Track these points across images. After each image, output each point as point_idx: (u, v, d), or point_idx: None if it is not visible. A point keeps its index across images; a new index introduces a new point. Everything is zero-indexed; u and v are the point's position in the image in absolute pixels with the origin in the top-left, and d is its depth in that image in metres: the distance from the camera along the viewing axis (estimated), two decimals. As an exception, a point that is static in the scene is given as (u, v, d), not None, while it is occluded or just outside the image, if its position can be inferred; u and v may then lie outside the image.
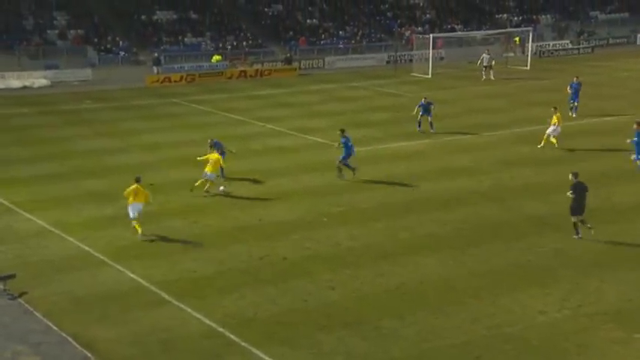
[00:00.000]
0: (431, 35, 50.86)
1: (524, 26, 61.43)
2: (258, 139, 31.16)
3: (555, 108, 28.20)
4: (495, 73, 47.02)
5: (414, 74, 49.79)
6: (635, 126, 24.37)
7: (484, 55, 47.73)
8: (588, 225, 18.69)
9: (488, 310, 15.16)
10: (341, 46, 57.78)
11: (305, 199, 22.78)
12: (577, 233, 18.77)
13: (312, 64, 54.43)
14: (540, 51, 59.63)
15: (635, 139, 24.19)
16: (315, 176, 25.27)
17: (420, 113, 31.33)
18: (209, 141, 24.86)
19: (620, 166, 25.10)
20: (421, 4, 66.85)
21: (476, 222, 20.25)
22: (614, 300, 15.42)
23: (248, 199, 22.91)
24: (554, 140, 27.69)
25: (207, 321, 14.98)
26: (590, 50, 61.00)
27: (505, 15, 67.47)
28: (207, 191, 23.05)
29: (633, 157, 24.36)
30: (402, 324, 14.73)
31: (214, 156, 23.20)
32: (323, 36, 59.15)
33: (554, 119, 27.78)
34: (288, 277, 16.97)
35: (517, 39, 59.45)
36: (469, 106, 37.73)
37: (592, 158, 26.20)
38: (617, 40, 65.19)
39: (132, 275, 17.18)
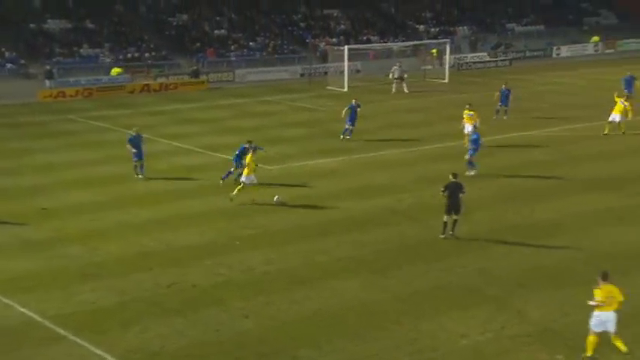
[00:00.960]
0: (346, 47, 51.67)
1: (442, 38, 63.28)
2: (164, 157, 30.67)
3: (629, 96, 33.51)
4: (411, 86, 48.16)
5: (329, 88, 50.37)
6: None
7: (395, 67, 48.90)
8: (450, 232, 20.22)
9: (409, 336, 15.36)
10: (255, 57, 57.84)
11: (216, 221, 22.53)
12: (443, 232, 20.27)
13: (222, 77, 54.21)
14: (458, 64, 61.54)
15: None
16: (225, 198, 25.05)
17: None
18: (248, 144, 25.10)
19: (541, 181, 26.12)
20: (335, 15, 67.87)
21: (396, 243, 20.55)
22: (537, 320, 15.92)
23: (154, 222, 22.46)
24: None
25: (108, 357, 14.52)
26: (508, 63, 63.47)
27: (422, 26, 69.38)
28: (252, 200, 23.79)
29: None
30: (320, 353, 14.73)
31: (248, 157, 24.25)
32: (232, 47, 59.08)
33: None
34: (198, 306, 16.69)
35: (435, 51, 61.18)
36: (388, 120, 38.44)
37: (513, 174, 27.13)
38: (535, 53, 68.18)
39: (22, 309, 16.47)
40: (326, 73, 55.29)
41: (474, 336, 15.22)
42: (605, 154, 29.70)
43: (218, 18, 62.41)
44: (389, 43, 62.00)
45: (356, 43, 59.83)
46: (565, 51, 69.42)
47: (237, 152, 25.87)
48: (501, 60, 64.43)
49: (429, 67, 57.76)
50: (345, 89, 49.13)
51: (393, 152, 31.24)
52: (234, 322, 16.02)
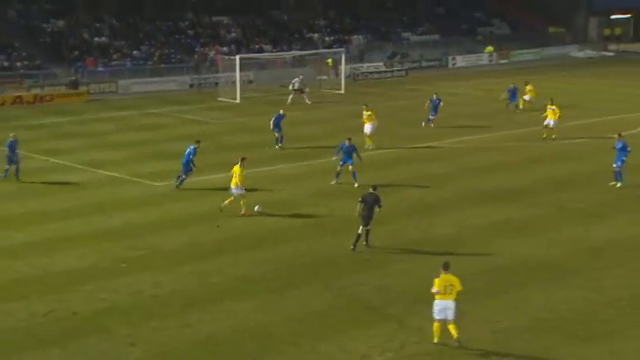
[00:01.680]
0: (237, 56, 51.65)
1: (337, 47, 64.32)
2: (40, 175, 29.63)
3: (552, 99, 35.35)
4: (309, 97, 48.63)
5: (220, 99, 50.17)
6: (616, 136, 27.54)
7: (296, 79, 49.24)
8: (364, 243, 20.90)
9: (308, 358, 15.42)
10: (140, 67, 56.85)
11: (99, 242, 21.94)
12: (354, 245, 20.93)
13: (104, 88, 53.04)
14: (354, 73, 62.69)
15: (618, 147, 27.12)
16: (110, 216, 24.43)
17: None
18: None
19: (438, 194, 26.91)
20: (225, 22, 67.75)
21: (294, 261, 20.63)
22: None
23: (28, 245, 21.62)
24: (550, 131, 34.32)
25: (-22, 398, 13.82)
26: (404, 73, 65.17)
27: (316, 35, 70.27)
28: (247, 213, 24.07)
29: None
30: (216, 381, 14.55)
31: (237, 168, 24.58)
32: (115, 56, 57.85)
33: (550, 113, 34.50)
34: (79, 336, 16.16)
35: (330, 61, 62.11)
36: (285, 134, 38.55)
37: (410, 187, 27.80)
38: (430, 63, 70.40)
39: None
40: (217, 83, 55.05)
41: (374, 356, 15.43)
42: (503, 164, 30.94)
43: (98, 24, 61.02)
44: (283, 53, 62.42)
45: (248, 52, 59.91)
46: (460, 61, 72.04)
47: (190, 157, 27.27)
48: (397, 70, 66.08)
49: (325, 77, 58.59)
50: (238, 100, 49.06)
51: (289, 166, 31.41)
52: (118, 350, 15.60)
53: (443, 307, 15.49)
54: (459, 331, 15.45)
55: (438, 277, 15.63)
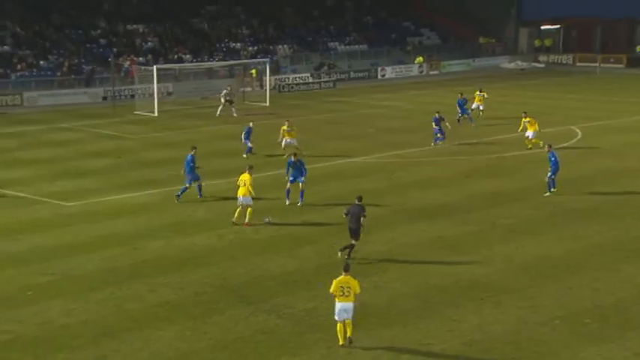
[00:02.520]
0: (154, 67, 51.17)
1: (261, 57, 64.45)
2: (-63, 196, 28.65)
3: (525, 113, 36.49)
4: (236, 110, 48.55)
5: (137, 112, 49.57)
6: (546, 148, 28.52)
7: (225, 90, 49.14)
8: (346, 257, 21.51)
9: (235, 387, 15.31)
10: (48, 78, 55.64)
11: (2, 269, 21.31)
12: (341, 250, 21.94)
13: (7, 100, 51.80)
14: (279, 85, 62.93)
15: (552, 158, 28.16)
16: (16, 240, 23.78)
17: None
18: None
19: (370, 211, 27.07)
20: (141, 31, 67.07)
21: (218, 284, 20.47)
22: (367, 361, 16.46)
23: None
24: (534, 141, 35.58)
25: None
26: (332, 85, 65.75)
27: (239, 44, 70.28)
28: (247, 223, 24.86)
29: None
30: (134, 416, 14.28)
31: (246, 176, 25.10)
32: (19, 67, 56.47)
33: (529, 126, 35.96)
34: (-18, 373, 15.65)
35: (254, 71, 62.18)
36: (204, 148, 38.29)
37: (340, 204, 27.92)
38: (359, 74, 71.26)
39: None
40: (133, 95, 54.38)
41: (303, 383, 15.42)
42: (436, 180, 31.46)
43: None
44: (203, 63, 62.17)
45: (166, 62, 59.47)
46: (390, 72, 73.19)
47: (190, 165, 27.83)
48: (325, 81, 66.62)
49: (249, 89, 58.64)
50: (156, 114, 48.57)
51: (212, 183, 31.19)
52: (28, 387, 15.16)
53: (343, 308, 16.58)
54: (353, 330, 16.69)
55: (336, 279, 16.71)
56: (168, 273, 21.23)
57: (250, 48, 70.20)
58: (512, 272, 20.78)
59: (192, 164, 28.16)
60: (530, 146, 36.26)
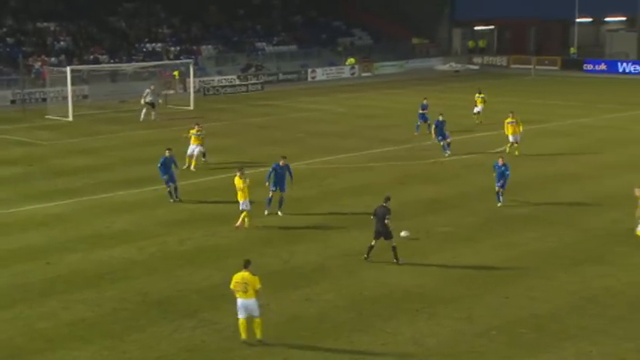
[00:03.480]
0: (68, 68, 50.28)
1: (184, 58, 64.02)
2: None
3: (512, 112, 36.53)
4: (156, 113, 48.07)
5: (49, 117, 48.64)
6: (500, 161, 28.07)
7: (147, 90, 48.54)
8: (394, 260, 21.98)
9: (157, 409, 15.13)
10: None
11: None
12: (367, 255, 22.58)
13: None
14: (204, 87, 62.61)
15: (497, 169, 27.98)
16: None
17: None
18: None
19: (300, 220, 27.20)
20: (52, 29, 65.83)
21: (138, 299, 20.21)
22: (301, 377, 16.48)
23: None
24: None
25: None
26: (260, 87, 65.73)
27: (160, 44, 69.66)
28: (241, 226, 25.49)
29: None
30: None
31: (238, 181, 25.74)
32: None
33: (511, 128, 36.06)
34: None
35: (176, 73, 61.69)
36: (124, 156, 37.88)
37: (270, 213, 27.94)
38: (288, 76, 71.43)
39: None
40: (45, 99, 53.32)
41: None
42: (370, 186, 31.70)
43: None
44: (122, 64, 61.40)
45: (81, 63, 58.54)
46: (321, 74, 73.59)
47: (171, 164, 28.83)
48: (253, 84, 66.57)
49: (171, 91, 58.16)
50: (70, 118, 47.77)
51: (130, 192, 30.81)
52: None
53: (242, 305, 17.28)
54: (263, 330, 17.28)
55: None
56: (85, 288, 20.86)
57: (172, 48, 69.62)
58: (448, 282, 21.08)
59: (171, 164, 29.22)
60: (517, 152, 36.21)
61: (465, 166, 35.18)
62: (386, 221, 22.22)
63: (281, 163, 27.49)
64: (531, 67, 76.07)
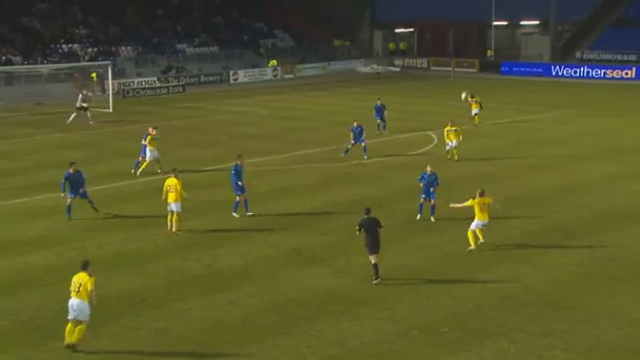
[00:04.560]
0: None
1: (102, 59, 63.00)
2: None
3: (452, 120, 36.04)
4: (67, 117, 47.19)
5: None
6: (428, 169, 27.29)
7: (81, 94, 47.81)
8: (376, 278, 20.86)
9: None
10: None
11: None
12: (376, 276, 20.98)
13: None
14: (123, 90, 61.75)
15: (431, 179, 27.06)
16: None
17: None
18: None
19: (223, 224, 27.06)
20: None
21: (56, 307, 19.72)
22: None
23: None
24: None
25: None
26: (181, 89, 65.18)
27: (76, 45, 68.39)
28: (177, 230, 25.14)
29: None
30: None
31: (173, 181, 25.25)
32: None
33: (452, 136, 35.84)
34: None
35: (94, 75, 60.67)
36: (40, 160, 37.06)
37: (190, 217, 27.74)
38: (210, 78, 71.01)
39: None
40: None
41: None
42: (293, 188, 31.76)
43: None
44: (36, 66, 60.03)
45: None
46: (243, 76, 73.39)
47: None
48: (173, 85, 65.96)
49: (90, 93, 57.11)
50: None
51: (47, 197, 30.12)
52: None
53: (70, 304, 17.13)
54: (82, 337, 17.03)
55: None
56: None
57: (89, 49, 68.40)
58: (370, 283, 21.26)
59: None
60: (450, 156, 36.20)
61: (386, 167, 35.56)
62: (379, 230, 21.33)
63: (239, 162, 27.72)
64: (451, 69, 77.35)
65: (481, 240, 24.16)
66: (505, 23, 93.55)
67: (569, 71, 75.20)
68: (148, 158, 33.63)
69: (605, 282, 21.35)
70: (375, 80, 75.21)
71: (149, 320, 19.04)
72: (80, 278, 17.16)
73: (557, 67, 76.69)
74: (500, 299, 20.14)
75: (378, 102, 44.16)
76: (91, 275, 17.23)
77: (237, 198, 27.56)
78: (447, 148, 36.49)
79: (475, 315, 19.18)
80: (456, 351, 17.33)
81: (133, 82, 64.91)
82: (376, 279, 21.12)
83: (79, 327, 17.07)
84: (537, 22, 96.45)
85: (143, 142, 33.61)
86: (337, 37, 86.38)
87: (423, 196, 27.21)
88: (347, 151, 36.98)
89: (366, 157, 36.67)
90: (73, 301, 17.07)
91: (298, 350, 17.46)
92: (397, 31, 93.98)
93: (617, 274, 21.90)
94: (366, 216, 21.61)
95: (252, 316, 19.26)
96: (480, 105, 46.66)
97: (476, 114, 46.41)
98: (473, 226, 24.12)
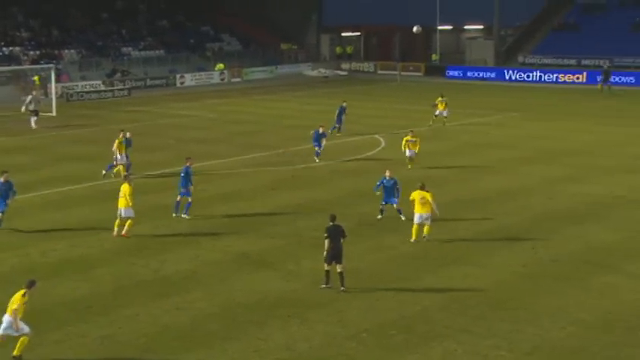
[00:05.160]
0: None
1: (45, 62, 62.08)
2: None
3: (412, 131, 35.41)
4: (10, 120, 46.49)
5: None
6: (387, 174, 27.17)
7: (30, 96, 47.32)
8: (342, 288, 20.68)
9: None
10: None
11: None
12: (326, 282, 20.86)
13: None
14: (67, 93, 60.98)
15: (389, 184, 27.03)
16: None
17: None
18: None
19: (170, 227, 26.88)
20: None
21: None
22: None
23: None
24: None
25: None
26: (126, 93, 64.56)
27: (17, 48, 67.28)
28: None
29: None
30: None
31: (124, 187, 25.07)
32: None
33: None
34: None
35: (37, 78, 59.75)
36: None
37: (140, 221, 27.48)
38: (156, 82, 70.45)
39: None
40: None
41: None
42: (240, 192, 31.67)
43: None
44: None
45: None
46: (190, 79, 72.99)
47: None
48: (119, 89, 65.33)
49: (42, 96, 56.30)
50: None
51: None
52: None
53: (3, 320, 16.91)
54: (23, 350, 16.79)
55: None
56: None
57: (32, 52, 67.32)
58: (319, 286, 21.31)
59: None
60: (410, 166, 35.32)
61: (334, 170, 35.70)
62: (342, 240, 21.07)
63: (189, 164, 27.94)
64: (397, 73, 77.95)
65: (425, 234, 24.59)
66: (450, 27, 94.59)
67: (522, 75, 75.54)
68: (125, 162, 33.34)
69: (548, 282, 21.76)
70: (322, 84, 75.43)
71: (95, 327, 18.82)
72: (15, 297, 17.12)
73: (511, 71, 76.79)
74: (447, 301, 20.37)
75: (344, 104, 44.56)
76: (25, 295, 17.11)
77: (179, 198, 27.59)
78: (408, 155, 35.80)
79: (422, 317, 19.37)
80: (404, 353, 17.49)
81: (77, 86, 64.09)
82: (326, 284, 21.05)
83: (21, 340, 16.87)
84: (481, 27, 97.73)
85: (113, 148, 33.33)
86: (284, 41, 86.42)
87: (384, 202, 27.32)
88: (318, 155, 37.04)
89: (317, 160, 36.84)
90: (4, 317, 16.97)
91: (247, 355, 17.43)
92: (344, 35, 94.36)
93: (560, 275, 22.33)
94: (331, 223, 21.34)
95: (200, 321, 19.18)
96: (446, 105, 47.16)
97: (443, 115, 47.04)
98: (416, 219, 24.52)
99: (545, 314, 19.41)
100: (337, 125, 44.25)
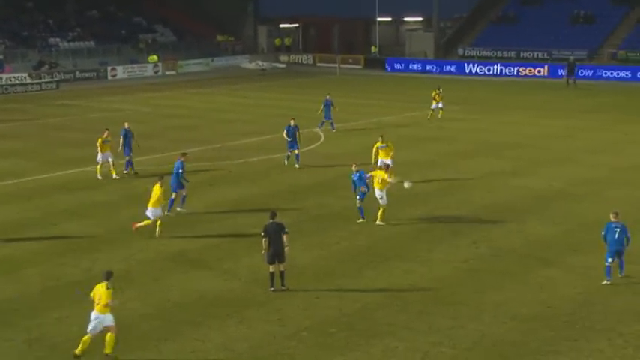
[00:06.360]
0: None
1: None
2: None
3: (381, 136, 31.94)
4: None
5: None
6: (353, 168, 26.78)
7: None
8: (282, 287, 20.48)
9: None
10: None
11: None
12: (271, 285, 20.48)
13: None
14: (-9, 86, 59.65)
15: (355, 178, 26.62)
16: None
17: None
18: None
19: (102, 226, 26.50)
20: None
21: None
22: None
23: None
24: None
25: None
26: (55, 85, 63.50)
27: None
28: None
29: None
30: None
31: (157, 188, 24.93)
32: None
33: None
34: None
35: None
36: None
37: (66, 221, 27.07)
38: (86, 74, 69.41)
39: None
40: None
41: None
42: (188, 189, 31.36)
43: None
44: None
45: None
46: (122, 72, 72.10)
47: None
48: (47, 82, 64.21)
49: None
50: None
51: None
52: None
53: (95, 317, 16.98)
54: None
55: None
56: None
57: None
58: (258, 284, 21.26)
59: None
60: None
61: (272, 166, 35.60)
62: (284, 238, 20.46)
63: (182, 159, 27.88)
64: (336, 65, 78.16)
65: (378, 222, 25.73)
66: (389, 19, 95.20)
67: (479, 68, 76.08)
68: (109, 160, 32.62)
69: (489, 277, 22.05)
70: (260, 77, 75.24)
71: (22, 330, 18.48)
72: (98, 290, 17.18)
73: (469, 64, 77.21)
74: (388, 297, 20.51)
75: (328, 96, 44.35)
76: (108, 287, 17.12)
77: (174, 195, 27.47)
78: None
79: (363, 314, 19.46)
80: (345, 351, 17.55)
81: (2, 78, 62.77)
82: (272, 287, 20.74)
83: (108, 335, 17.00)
84: (421, 19, 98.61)
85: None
86: (220, 33, 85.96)
87: (358, 197, 26.82)
88: (288, 157, 35.30)
89: (297, 165, 34.80)
90: (94, 314, 17.07)
91: (183, 356, 17.30)
92: (282, 26, 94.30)
93: (500, 269, 22.66)
94: (271, 220, 20.85)
95: (134, 322, 18.95)
96: (439, 97, 47.44)
97: (440, 107, 47.30)
98: (377, 195, 25.83)
99: (487, 309, 19.67)
100: (328, 120, 43.32)
